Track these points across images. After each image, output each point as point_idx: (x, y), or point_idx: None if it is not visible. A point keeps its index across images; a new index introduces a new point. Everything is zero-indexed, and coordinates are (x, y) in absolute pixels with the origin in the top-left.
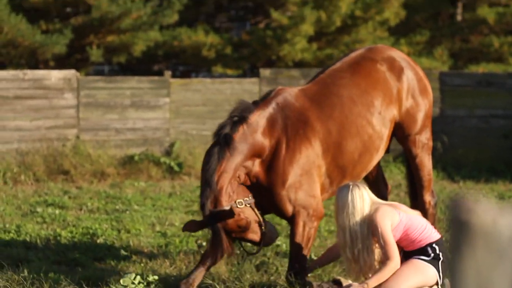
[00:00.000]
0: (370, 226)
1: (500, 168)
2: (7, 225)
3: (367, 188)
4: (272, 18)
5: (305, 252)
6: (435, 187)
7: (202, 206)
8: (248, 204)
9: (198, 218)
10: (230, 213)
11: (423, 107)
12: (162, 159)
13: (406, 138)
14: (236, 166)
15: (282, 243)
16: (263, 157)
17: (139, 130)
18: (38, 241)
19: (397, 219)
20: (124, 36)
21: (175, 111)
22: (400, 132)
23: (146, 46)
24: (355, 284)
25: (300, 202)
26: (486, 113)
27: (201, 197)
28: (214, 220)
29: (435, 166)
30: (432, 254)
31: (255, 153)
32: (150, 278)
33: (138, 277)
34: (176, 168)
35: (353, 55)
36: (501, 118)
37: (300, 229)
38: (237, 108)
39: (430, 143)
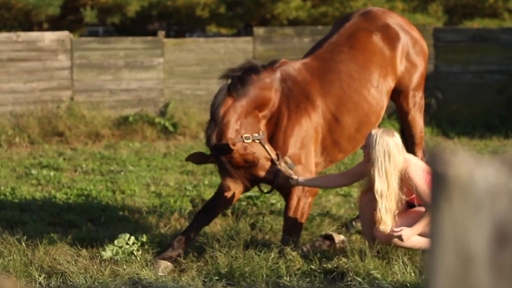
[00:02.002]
0: (404, 182)
1: (495, 124)
2: (1, 188)
3: (399, 137)
4: None
5: (298, 227)
6: (430, 144)
7: (207, 139)
8: (258, 140)
9: (193, 178)
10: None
11: (418, 67)
12: (157, 120)
13: (399, 96)
14: (246, 105)
15: (277, 201)
16: (266, 118)
17: (133, 91)
18: (33, 203)
19: (423, 175)
20: None
21: (169, 71)
22: (394, 91)
23: (140, 6)
24: (405, 228)
25: (297, 176)
26: (480, 69)
27: (206, 130)
28: (218, 153)
29: (429, 122)
30: None
31: (261, 104)
32: (144, 238)
33: (132, 238)
34: (170, 128)
35: (348, 25)
36: (495, 73)
37: (294, 203)
38: (248, 62)
39: (422, 102)
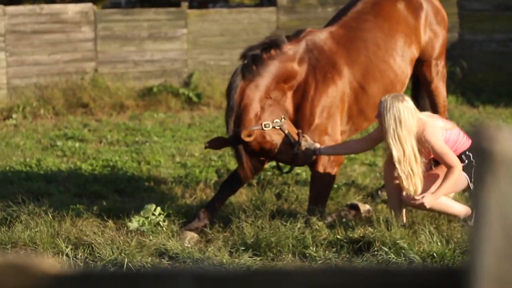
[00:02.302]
0: (421, 144)
1: None
2: (27, 159)
3: (411, 101)
4: None
5: (324, 197)
6: (455, 112)
7: (226, 125)
8: (278, 126)
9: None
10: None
11: (440, 36)
12: (181, 90)
13: (422, 65)
14: (266, 85)
15: (302, 171)
16: (293, 88)
17: (157, 61)
18: (59, 174)
19: (441, 134)
20: None
21: (193, 42)
22: (417, 61)
23: None
24: (427, 194)
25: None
26: (505, 37)
27: (225, 117)
28: (236, 141)
29: (454, 91)
30: (466, 161)
31: (285, 78)
32: (170, 209)
33: (159, 208)
34: (195, 98)
35: None
36: None
37: (320, 173)
38: (270, 36)
39: (445, 71)
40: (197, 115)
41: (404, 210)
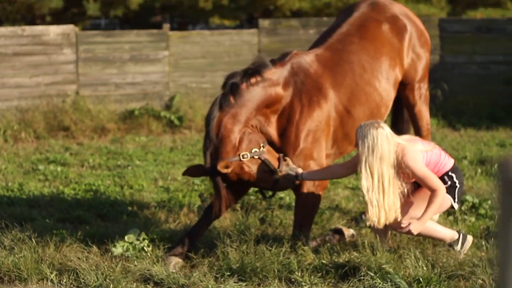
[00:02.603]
0: (401, 170)
1: (501, 115)
2: (9, 184)
3: (388, 127)
4: None
5: (309, 221)
6: (437, 136)
7: (204, 157)
8: (257, 156)
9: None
10: (219, 171)
11: (423, 59)
12: (162, 113)
13: (405, 87)
14: (245, 114)
15: (286, 195)
16: (277, 112)
17: (139, 84)
18: (41, 199)
19: (421, 158)
20: None
21: (174, 64)
22: (400, 84)
23: None
24: (413, 221)
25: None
26: (486, 60)
27: (203, 147)
28: (214, 172)
29: (435, 114)
30: (449, 182)
31: (268, 104)
32: (154, 234)
33: (143, 233)
34: (176, 121)
35: (357, 14)
36: (501, 64)
37: (304, 197)
38: (254, 62)
39: (428, 94)
40: (179, 138)
41: (389, 234)
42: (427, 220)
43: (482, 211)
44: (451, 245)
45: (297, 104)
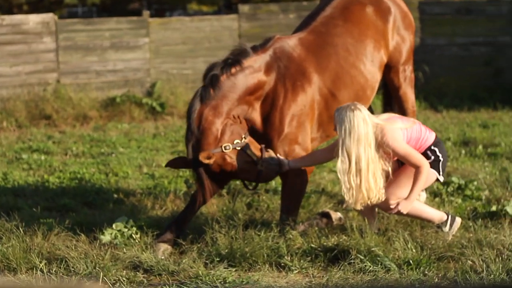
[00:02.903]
0: (383, 150)
1: (482, 96)
2: None
3: (365, 108)
4: None
5: (296, 205)
6: (419, 118)
7: (186, 149)
8: (239, 146)
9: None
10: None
11: (407, 41)
12: (144, 100)
13: (390, 70)
14: (227, 105)
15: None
16: (261, 98)
17: (120, 71)
18: (26, 188)
19: (402, 136)
20: None
21: (155, 51)
22: (385, 66)
23: None
24: (401, 201)
25: (293, 155)
26: (466, 41)
27: (185, 139)
28: (197, 164)
29: (417, 96)
30: (432, 157)
31: (251, 92)
32: (142, 221)
33: (130, 221)
34: (158, 108)
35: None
36: (481, 45)
37: (291, 182)
38: (234, 51)
39: (413, 76)
40: (162, 125)
41: (376, 216)
42: (415, 198)
43: (468, 192)
44: (440, 226)
45: (280, 89)
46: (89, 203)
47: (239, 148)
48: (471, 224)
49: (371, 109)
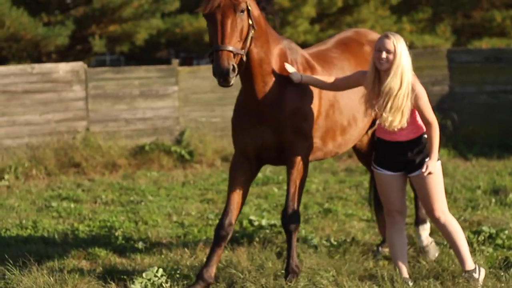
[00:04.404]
0: (414, 89)
1: (511, 144)
2: (23, 221)
3: None
4: (273, 0)
5: (300, 191)
6: (449, 166)
7: None
8: None
9: (214, 207)
10: None
11: None
12: (173, 148)
13: None
14: None
15: (302, 228)
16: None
17: (149, 119)
18: (56, 236)
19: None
20: (126, 25)
21: (184, 99)
22: None
23: (149, 34)
24: (427, 162)
25: (300, 131)
26: (495, 89)
27: None
28: None
29: (446, 144)
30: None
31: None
32: (172, 270)
33: (161, 270)
34: (187, 156)
35: (338, 36)
36: (510, 93)
37: (295, 173)
38: None
39: None
40: (190, 173)
41: (406, 264)
42: (437, 156)
43: (499, 241)
44: (468, 272)
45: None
46: (119, 251)
47: None
48: (502, 273)
49: None
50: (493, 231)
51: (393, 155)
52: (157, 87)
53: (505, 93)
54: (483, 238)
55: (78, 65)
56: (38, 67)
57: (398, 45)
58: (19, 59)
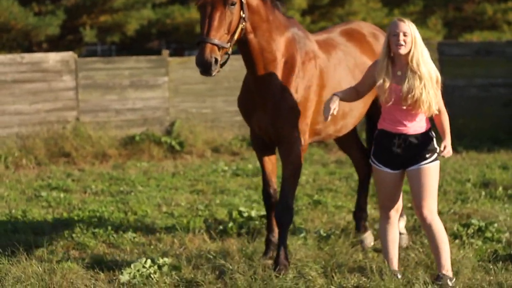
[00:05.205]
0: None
1: (502, 137)
2: (13, 211)
3: None
4: None
5: (294, 187)
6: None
7: None
8: None
9: (204, 198)
10: None
11: None
12: (163, 139)
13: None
14: None
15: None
16: None
17: (139, 110)
18: (45, 225)
19: None
20: (117, 15)
21: (174, 90)
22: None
23: (140, 25)
24: (444, 144)
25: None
26: (485, 82)
27: None
28: None
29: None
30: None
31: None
32: (161, 261)
33: (149, 261)
34: (177, 147)
35: (340, 27)
36: (501, 86)
37: (290, 166)
38: None
39: None
40: (181, 164)
41: (397, 257)
42: (450, 141)
43: (488, 234)
44: (444, 276)
45: (297, 57)
46: (108, 242)
47: None
48: (491, 266)
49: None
50: (482, 224)
51: (395, 148)
52: (147, 78)
53: (495, 86)
54: (472, 231)
55: (68, 55)
56: (28, 57)
57: (412, 27)
58: (10, 49)
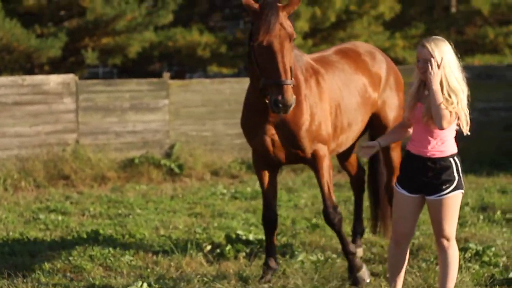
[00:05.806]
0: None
1: (502, 161)
2: (10, 233)
3: None
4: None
5: (332, 188)
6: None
7: None
8: None
9: (202, 221)
10: None
11: (397, 99)
12: (163, 161)
13: (380, 127)
14: None
15: (289, 243)
16: None
17: (139, 132)
18: (43, 248)
19: None
20: (119, 37)
21: (175, 113)
22: (376, 121)
23: (141, 47)
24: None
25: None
26: (486, 106)
27: None
28: None
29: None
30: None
31: None
32: (157, 284)
33: (145, 284)
34: (176, 170)
35: (335, 47)
36: (501, 110)
37: (324, 172)
38: None
39: None
40: (180, 187)
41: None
42: None
43: (486, 258)
44: None
45: (310, 78)
46: (105, 265)
47: None
48: None
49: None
50: (480, 248)
51: (414, 171)
52: (148, 100)
53: (496, 110)
54: (469, 255)
55: (69, 77)
56: (29, 79)
57: (436, 50)
58: (12, 71)
